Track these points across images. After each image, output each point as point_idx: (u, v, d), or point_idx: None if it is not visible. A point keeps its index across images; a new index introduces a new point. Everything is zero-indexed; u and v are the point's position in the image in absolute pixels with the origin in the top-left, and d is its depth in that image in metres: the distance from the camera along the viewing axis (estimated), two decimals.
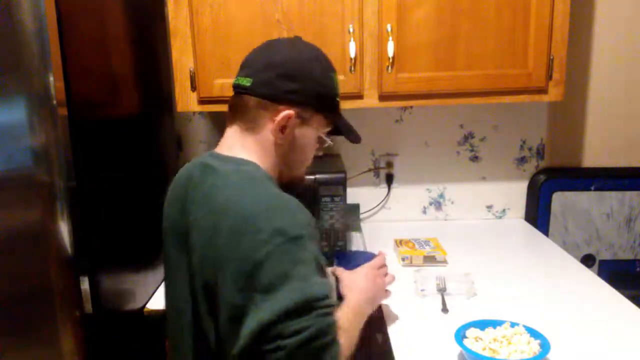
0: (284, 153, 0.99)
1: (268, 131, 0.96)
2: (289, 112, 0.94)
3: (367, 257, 1.28)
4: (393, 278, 1.22)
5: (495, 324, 1.10)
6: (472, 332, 1.07)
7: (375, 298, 1.15)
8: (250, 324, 0.79)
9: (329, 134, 1.04)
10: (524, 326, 1.07)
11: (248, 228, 0.83)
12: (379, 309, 1.34)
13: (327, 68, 1.00)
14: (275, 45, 1.01)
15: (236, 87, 0.99)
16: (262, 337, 0.79)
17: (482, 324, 1.10)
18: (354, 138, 1.07)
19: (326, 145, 1.05)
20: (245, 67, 0.99)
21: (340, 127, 1.04)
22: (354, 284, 1.13)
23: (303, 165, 1.05)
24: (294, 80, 0.95)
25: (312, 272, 0.83)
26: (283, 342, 0.78)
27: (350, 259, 1.33)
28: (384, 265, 1.22)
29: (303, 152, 1.01)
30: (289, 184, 1.04)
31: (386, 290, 1.20)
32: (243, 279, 0.82)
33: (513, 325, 1.08)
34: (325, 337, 0.81)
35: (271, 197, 0.89)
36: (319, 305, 0.81)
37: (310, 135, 1.00)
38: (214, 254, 0.85)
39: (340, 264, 1.22)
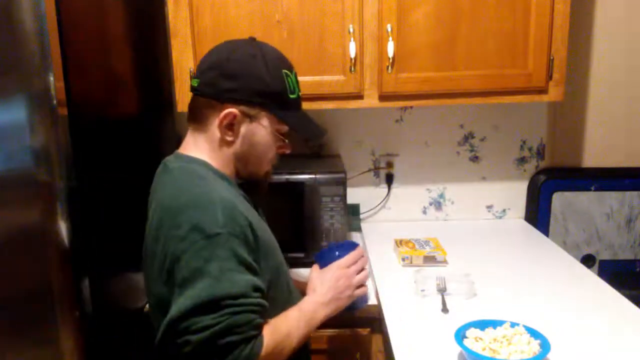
0: (236, 151, 1.02)
1: (216, 129, 1.00)
2: (231, 110, 0.98)
3: (343, 247, 1.17)
4: (366, 276, 1.16)
5: (495, 324, 1.10)
6: (472, 332, 1.07)
7: (336, 300, 1.09)
8: (166, 317, 0.86)
9: (299, 132, 1.05)
10: (524, 326, 1.07)
11: (169, 223, 0.90)
12: (379, 309, 1.34)
13: (275, 66, 1.01)
14: (224, 46, 1.04)
15: (190, 89, 1.05)
16: (173, 331, 0.85)
17: (482, 324, 1.10)
18: (311, 136, 1.10)
19: (284, 145, 1.06)
20: (197, 69, 1.06)
21: (291, 126, 1.04)
22: (316, 284, 1.11)
23: (261, 163, 1.06)
24: (233, 79, 0.98)
25: (228, 269, 0.86)
26: (190, 337, 0.83)
27: (324, 256, 1.19)
28: (357, 262, 1.15)
29: (256, 149, 1.03)
30: (253, 184, 1.08)
31: (361, 286, 1.14)
32: (165, 273, 0.90)
33: (513, 325, 1.08)
34: (233, 335, 0.84)
35: (197, 195, 0.92)
36: (231, 304, 0.84)
37: (261, 132, 1.02)
38: (148, 248, 0.97)
39: (318, 262, 1.17)
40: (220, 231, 0.87)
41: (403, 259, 1.56)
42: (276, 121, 1.03)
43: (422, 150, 1.89)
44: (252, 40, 1.06)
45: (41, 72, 0.98)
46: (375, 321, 1.38)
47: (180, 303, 0.85)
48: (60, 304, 1.06)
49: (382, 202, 1.93)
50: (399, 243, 1.64)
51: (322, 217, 1.56)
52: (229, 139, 1.00)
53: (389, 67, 1.48)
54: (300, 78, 1.51)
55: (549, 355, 1.02)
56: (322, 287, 1.10)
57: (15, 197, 1.02)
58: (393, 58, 1.47)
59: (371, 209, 1.94)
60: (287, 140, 1.06)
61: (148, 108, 1.55)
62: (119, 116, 1.33)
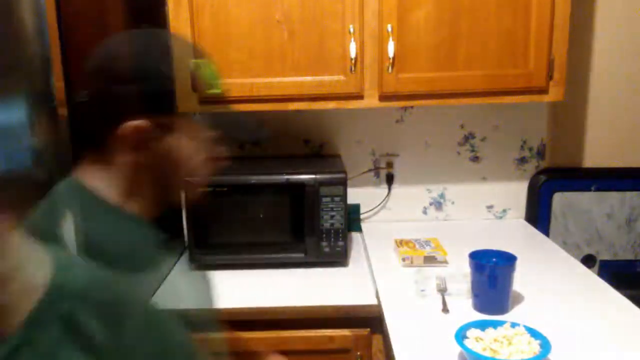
0: (151, 175, 0.75)
1: (118, 152, 0.73)
2: (136, 124, 0.71)
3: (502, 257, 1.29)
4: None
5: (495, 324, 1.10)
6: (472, 333, 1.07)
7: None
8: None
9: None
10: (525, 326, 1.07)
11: None
12: (379, 309, 1.34)
13: (180, 55, 0.79)
14: (105, 42, 0.76)
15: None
16: None
17: (482, 324, 1.10)
18: (246, 136, 0.88)
19: (216, 153, 0.81)
20: (82, 78, 0.78)
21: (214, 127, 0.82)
22: None
23: (181, 184, 0.80)
24: (133, 82, 0.73)
25: None
26: None
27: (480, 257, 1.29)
28: None
29: (179, 167, 0.77)
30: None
31: None
32: None
33: (514, 325, 1.08)
34: None
35: None
36: None
37: (185, 144, 0.76)
38: None
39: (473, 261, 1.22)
40: None
41: (403, 259, 1.56)
42: (197, 126, 0.83)
43: (423, 150, 1.89)
44: (139, 29, 0.80)
45: (41, 72, 0.98)
46: (375, 321, 1.38)
47: None
48: None
49: (382, 202, 1.93)
50: (399, 243, 1.64)
51: (322, 217, 1.56)
52: (142, 160, 0.75)
53: (390, 67, 1.47)
54: (300, 78, 1.52)
55: (549, 356, 1.02)
56: None
57: (15, 197, 1.02)
58: (393, 58, 1.47)
59: (371, 209, 1.94)
60: None
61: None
62: None
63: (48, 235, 0.65)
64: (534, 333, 1.05)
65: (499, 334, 1.05)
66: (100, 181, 0.74)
